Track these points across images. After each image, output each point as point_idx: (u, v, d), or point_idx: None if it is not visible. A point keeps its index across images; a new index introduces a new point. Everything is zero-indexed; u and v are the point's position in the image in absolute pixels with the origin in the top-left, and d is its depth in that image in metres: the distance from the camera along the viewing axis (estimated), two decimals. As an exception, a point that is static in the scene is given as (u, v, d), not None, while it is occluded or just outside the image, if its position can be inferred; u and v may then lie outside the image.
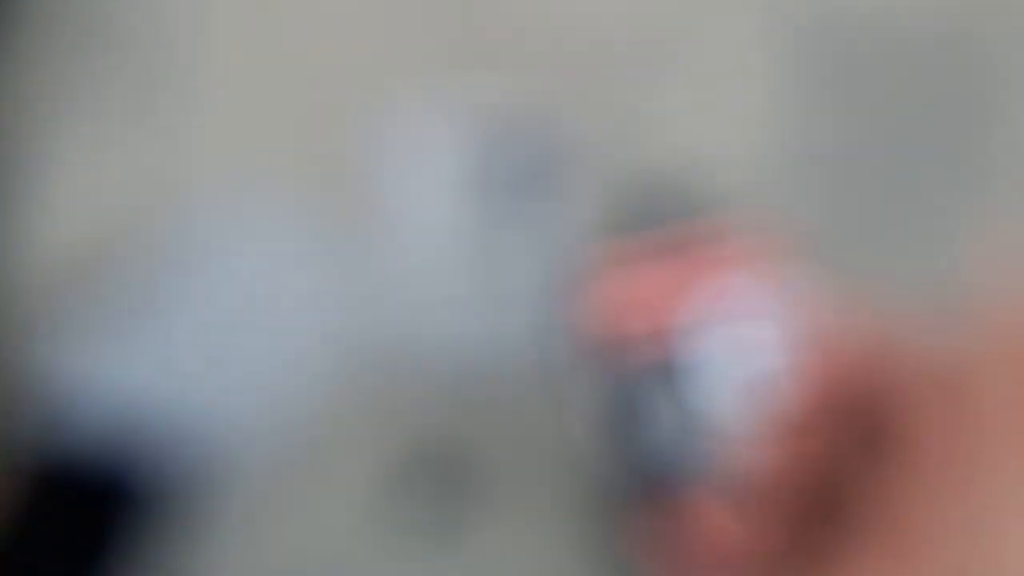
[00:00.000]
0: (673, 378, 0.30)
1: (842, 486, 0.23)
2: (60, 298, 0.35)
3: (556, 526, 0.36)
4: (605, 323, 0.32)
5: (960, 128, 0.39)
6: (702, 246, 0.33)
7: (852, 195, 0.40)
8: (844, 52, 0.40)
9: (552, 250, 0.37)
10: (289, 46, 0.39)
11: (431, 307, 0.37)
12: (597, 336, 0.32)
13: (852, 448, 0.22)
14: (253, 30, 0.39)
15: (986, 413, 0.21)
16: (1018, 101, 0.39)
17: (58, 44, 0.38)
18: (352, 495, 0.36)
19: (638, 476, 0.30)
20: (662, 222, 0.37)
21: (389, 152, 0.38)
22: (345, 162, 0.38)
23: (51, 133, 0.38)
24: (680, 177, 0.38)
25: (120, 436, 0.30)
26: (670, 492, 0.29)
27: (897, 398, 0.22)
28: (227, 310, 0.36)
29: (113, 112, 0.38)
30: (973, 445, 0.21)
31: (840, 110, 0.40)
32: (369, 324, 0.36)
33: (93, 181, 0.37)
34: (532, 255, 0.37)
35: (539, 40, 0.39)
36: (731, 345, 0.29)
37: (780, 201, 0.38)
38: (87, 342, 0.34)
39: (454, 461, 0.36)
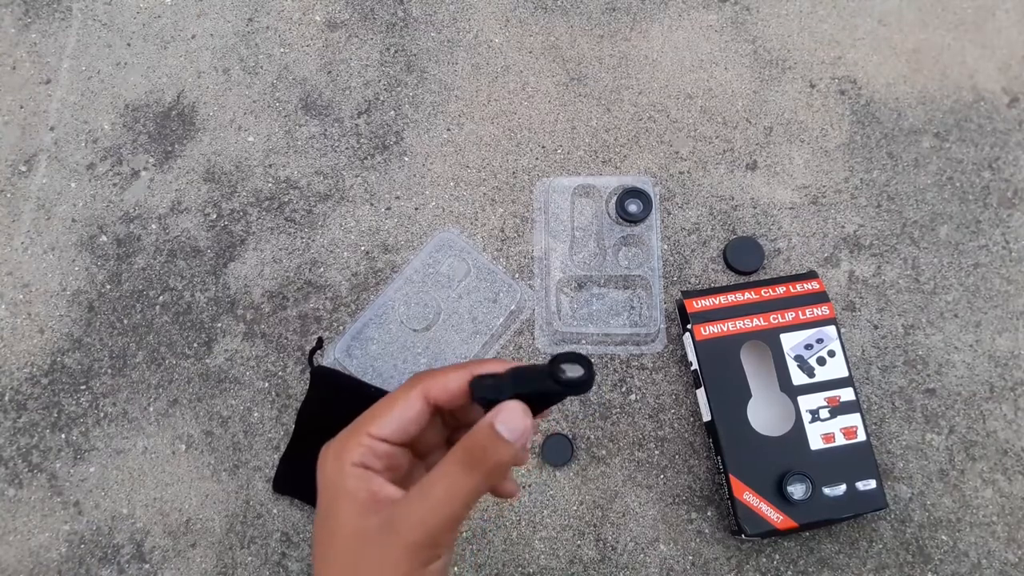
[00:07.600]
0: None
1: None
2: (346, 302, 0.54)
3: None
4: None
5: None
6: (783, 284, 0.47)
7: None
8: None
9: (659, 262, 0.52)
10: (483, 146, 0.57)
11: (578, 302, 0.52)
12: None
13: None
14: (460, 136, 0.58)
15: None
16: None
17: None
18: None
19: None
20: (753, 260, 0.50)
21: (552, 210, 0.55)
22: (519, 216, 0.55)
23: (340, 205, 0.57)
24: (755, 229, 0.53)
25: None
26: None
27: None
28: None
29: (374, 194, 0.57)
30: None
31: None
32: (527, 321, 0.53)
33: (357, 234, 0.56)
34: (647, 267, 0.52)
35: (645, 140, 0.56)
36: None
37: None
38: (348, 334, 0.52)
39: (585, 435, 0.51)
